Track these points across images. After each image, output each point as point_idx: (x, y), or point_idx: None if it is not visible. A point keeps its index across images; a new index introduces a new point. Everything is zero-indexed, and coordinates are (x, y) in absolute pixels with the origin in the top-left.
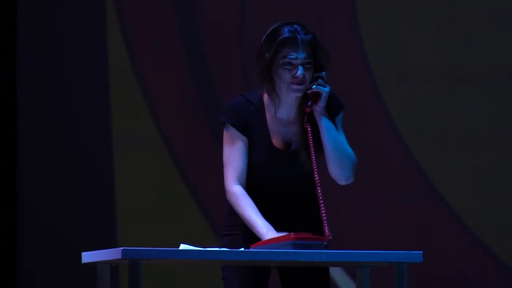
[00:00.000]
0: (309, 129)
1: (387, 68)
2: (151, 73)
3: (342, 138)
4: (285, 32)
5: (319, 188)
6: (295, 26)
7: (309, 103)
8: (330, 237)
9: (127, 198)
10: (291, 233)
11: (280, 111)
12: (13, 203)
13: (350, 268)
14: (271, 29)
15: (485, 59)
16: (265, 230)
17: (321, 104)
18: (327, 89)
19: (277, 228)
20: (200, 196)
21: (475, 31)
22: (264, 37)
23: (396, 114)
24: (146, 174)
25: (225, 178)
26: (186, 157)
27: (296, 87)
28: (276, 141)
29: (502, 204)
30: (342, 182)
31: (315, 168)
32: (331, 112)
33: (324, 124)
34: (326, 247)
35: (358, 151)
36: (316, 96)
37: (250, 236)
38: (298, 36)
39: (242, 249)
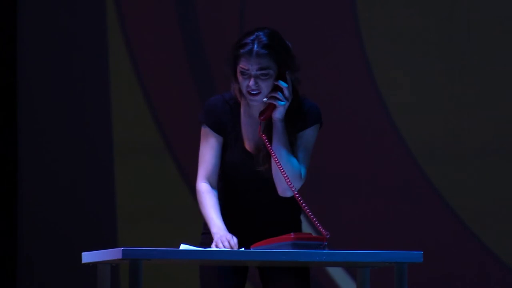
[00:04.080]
0: (264, 138)
1: (387, 68)
2: (151, 73)
3: (300, 153)
4: (243, 43)
5: (296, 194)
6: (257, 34)
7: (261, 114)
8: (329, 235)
9: (127, 198)
10: (291, 233)
11: (253, 110)
12: (13, 203)
13: (350, 268)
14: (242, 34)
15: (486, 60)
16: (215, 229)
17: (277, 115)
18: (283, 102)
19: (248, 227)
20: None
21: (476, 31)
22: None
23: (396, 114)
24: (147, 174)
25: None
26: (186, 157)
27: (250, 97)
28: (248, 144)
29: (502, 204)
30: (279, 193)
31: (286, 176)
32: (296, 125)
33: (275, 135)
34: (326, 247)
35: (358, 151)
36: (271, 106)
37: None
38: (254, 49)
39: (243, 249)
